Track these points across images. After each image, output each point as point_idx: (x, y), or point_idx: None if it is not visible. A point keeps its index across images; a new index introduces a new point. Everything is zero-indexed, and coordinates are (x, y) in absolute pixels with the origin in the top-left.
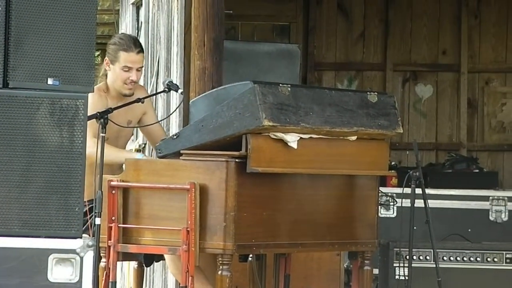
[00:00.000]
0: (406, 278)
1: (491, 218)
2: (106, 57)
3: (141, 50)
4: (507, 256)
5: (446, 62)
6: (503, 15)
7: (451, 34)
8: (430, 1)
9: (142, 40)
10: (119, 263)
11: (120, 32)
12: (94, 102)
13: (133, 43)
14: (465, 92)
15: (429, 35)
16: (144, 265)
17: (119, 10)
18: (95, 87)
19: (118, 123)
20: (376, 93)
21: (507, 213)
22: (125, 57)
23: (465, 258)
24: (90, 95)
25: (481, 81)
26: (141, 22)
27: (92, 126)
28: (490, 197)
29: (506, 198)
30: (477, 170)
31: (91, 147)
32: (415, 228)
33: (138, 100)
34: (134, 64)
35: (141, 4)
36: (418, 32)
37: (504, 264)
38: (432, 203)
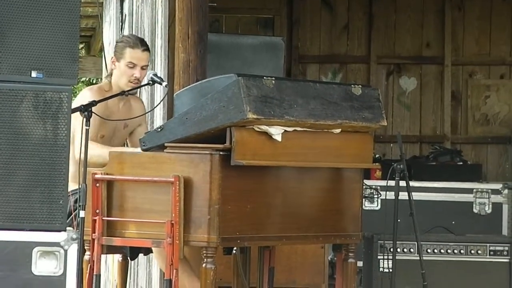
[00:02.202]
0: (390, 270)
1: (475, 210)
2: (112, 56)
3: (146, 49)
4: (491, 248)
5: (430, 54)
6: (486, 8)
7: (435, 27)
8: None
9: (126, 32)
10: (103, 256)
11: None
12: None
13: (140, 42)
14: (449, 85)
15: (413, 27)
16: (128, 258)
17: (103, 2)
18: (97, 85)
19: (115, 122)
20: (360, 85)
21: (490, 206)
22: (130, 53)
23: (449, 251)
24: (91, 92)
25: (465, 73)
26: (125, 15)
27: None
28: (474, 190)
29: (489, 190)
30: (461, 163)
31: (92, 149)
32: (399, 220)
33: (123, 93)
34: (139, 61)
35: None
36: (402, 25)
37: (487, 256)
38: (416, 196)
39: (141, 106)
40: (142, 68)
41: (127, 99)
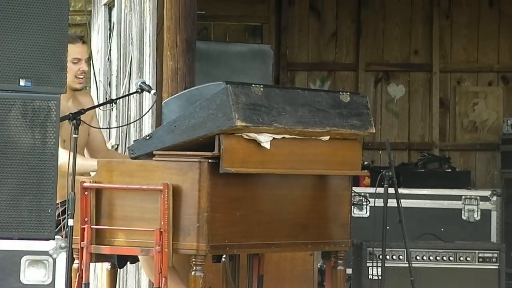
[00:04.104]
0: (379, 277)
1: (463, 217)
2: None
3: (84, 41)
4: (480, 255)
5: (418, 62)
6: (474, 15)
7: (423, 34)
8: (402, 1)
9: (114, 41)
10: (92, 265)
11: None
12: None
13: (77, 36)
14: (437, 92)
15: (401, 35)
16: (117, 266)
17: (91, 11)
18: None
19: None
20: (348, 93)
21: (479, 213)
22: (73, 49)
23: (438, 258)
24: None
25: (453, 81)
26: (113, 23)
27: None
28: (463, 197)
29: (478, 197)
30: (449, 170)
31: (61, 158)
32: (388, 227)
33: (111, 101)
34: (82, 55)
35: (113, 5)
36: (390, 32)
37: (476, 263)
38: (405, 203)
39: (89, 100)
40: (85, 61)
41: (74, 95)
